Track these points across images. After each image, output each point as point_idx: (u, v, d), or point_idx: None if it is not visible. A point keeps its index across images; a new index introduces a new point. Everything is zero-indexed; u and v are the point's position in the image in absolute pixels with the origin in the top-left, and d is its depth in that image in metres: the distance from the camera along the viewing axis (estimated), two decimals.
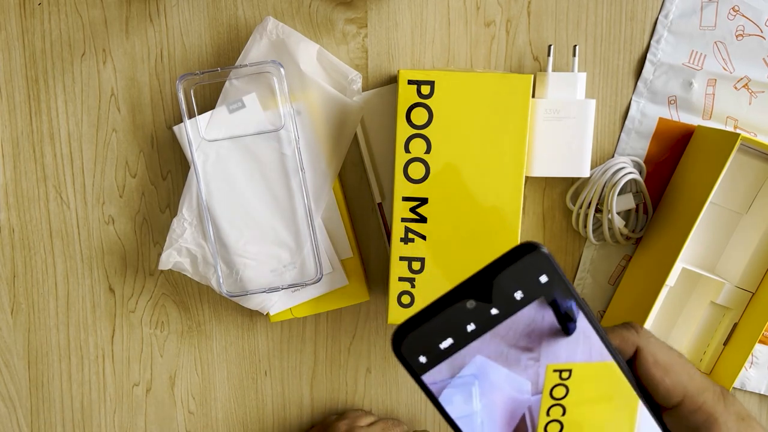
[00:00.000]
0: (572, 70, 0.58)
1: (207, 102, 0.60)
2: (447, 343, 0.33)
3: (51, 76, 0.60)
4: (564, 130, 0.57)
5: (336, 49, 0.60)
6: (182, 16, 0.59)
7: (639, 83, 0.61)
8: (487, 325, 0.33)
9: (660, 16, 0.59)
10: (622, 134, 0.61)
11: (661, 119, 0.61)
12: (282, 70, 0.56)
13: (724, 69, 0.60)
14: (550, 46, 0.58)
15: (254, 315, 0.65)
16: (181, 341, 0.65)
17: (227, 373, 0.66)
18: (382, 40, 0.60)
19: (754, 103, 0.60)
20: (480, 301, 0.32)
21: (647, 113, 0.61)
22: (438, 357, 0.33)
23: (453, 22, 0.60)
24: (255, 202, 0.58)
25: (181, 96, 0.57)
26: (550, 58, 0.58)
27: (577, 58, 0.58)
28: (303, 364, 0.66)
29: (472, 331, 0.33)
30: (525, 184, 0.57)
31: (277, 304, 0.61)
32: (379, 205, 0.62)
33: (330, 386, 0.67)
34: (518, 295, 0.32)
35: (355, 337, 0.65)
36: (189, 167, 0.59)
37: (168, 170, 0.62)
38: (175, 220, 0.59)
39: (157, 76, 0.60)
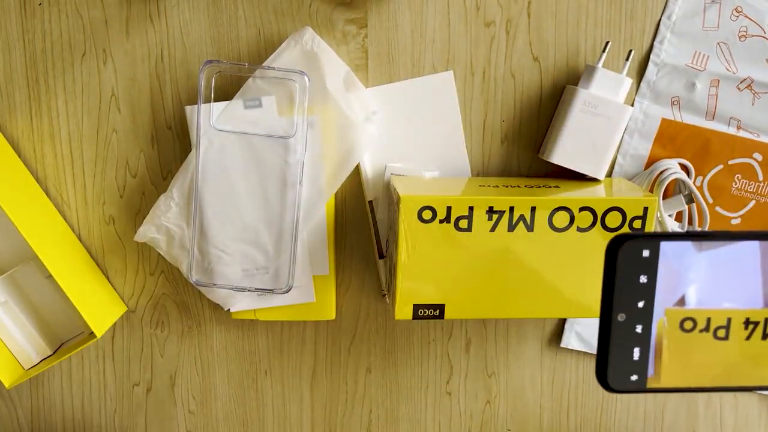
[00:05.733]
0: (621, 73, 0.58)
1: (222, 94, 0.60)
2: None
3: (51, 77, 0.60)
4: (595, 127, 0.57)
5: (336, 49, 0.60)
6: (182, 17, 0.59)
7: (642, 84, 0.60)
8: None
9: (663, 17, 0.59)
10: (625, 135, 0.61)
11: (664, 120, 0.61)
12: (308, 82, 0.56)
13: (727, 70, 0.59)
14: (607, 42, 0.58)
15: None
16: (181, 341, 0.65)
17: (227, 373, 0.66)
18: (382, 41, 0.60)
19: (757, 104, 0.60)
20: None
21: (650, 114, 0.61)
22: None
23: (453, 22, 0.59)
24: (245, 200, 0.58)
25: (202, 79, 0.57)
26: (604, 54, 0.58)
27: (629, 62, 0.58)
28: (303, 364, 0.66)
29: None
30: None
31: (240, 303, 0.61)
32: (370, 203, 0.62)
33: (330, 386, 0.67)
34: None
35: (355, 337, 0.65)
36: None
37: (168, 170, 0.62)
38: (162, 197, 0.59)
39: (157, 77, 0.60)
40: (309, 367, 0.66)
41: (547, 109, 0.61)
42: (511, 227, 0.54)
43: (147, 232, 0.60)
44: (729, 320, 0.37)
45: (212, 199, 0.58)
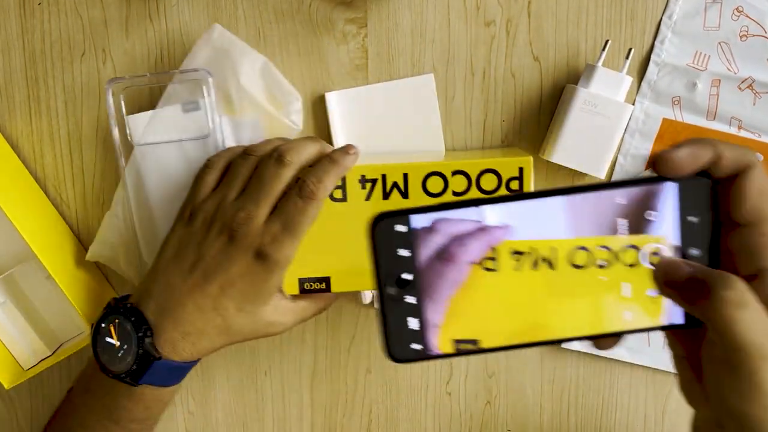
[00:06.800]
0: (621, 71, 0.57)
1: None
2: None
3: (51, 76, 0.60)
4: (595, 126, 0.57)
5: (336, 49, 0.60)
6: (182, 17, 0.59)
7: (643, 84, 0.60)
8: None
9: (664, 17, 0.59)
10: (626, 135, 0.61)
11: (665, 120, 0.60)
12: (210, 79, 0.56)
13: (728, 69, 0.59)
14: (607, 41, 0.58)
15: None
16: None
17: (227, 373, 0.66)
18: (382, 40, 0.60)
19: (758, 103, 0.59)
20: None
21: (651, 114, 0.60)
22: None
23: (453, 22, 0.59)
24: None
25: (110, 98, 0.56)
26: (604, 53, 0.57)
27: (629, 61, 0.58)
28: (303, 364, 0.66)
29: None
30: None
31: None
32: None
33: (330, 386, 0.67)
34: None
35: (355, 338, 0.65)
36: None
37: None
38: (107, 215, 0.59)
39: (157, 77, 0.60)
40: (309, 367, 0.66)
41: (547, 108, 0.61)
42: (386, 195, 0.54)
43: (98, 251, 0.60)
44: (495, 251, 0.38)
45: (159, 208, 0.58)
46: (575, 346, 0.65)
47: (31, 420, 0.66)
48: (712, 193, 0.37)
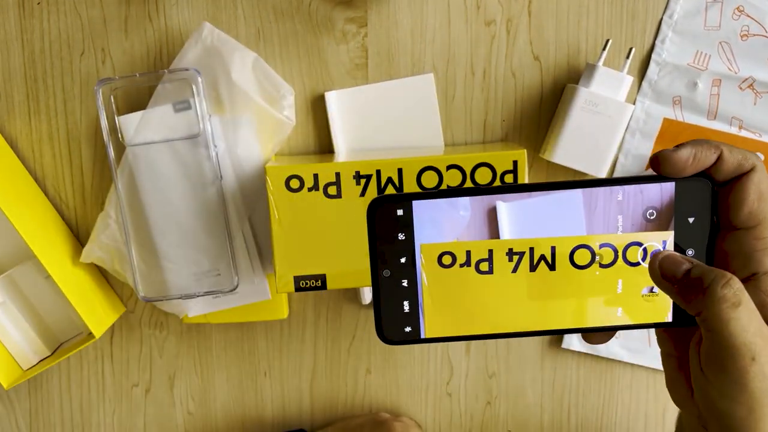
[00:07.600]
0: (622, 71, 0.57)
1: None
2: None
3: (50, 76, 0.60)
4: (596, 126, 0.57)
5: (336, 49, 0.59)
6: (181, 16, 0.59)
7: (644, 83, 0.60)
8: None
9: (664, 17, 0.59)
10: (627, 134, 0.61)
11: (665, 119, 0.60)
12: (200, 78, 0.56)
13: (729, 69, 0.59)
14: (607, 40, 0.57)
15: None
16: (180, 342, 0.65)
17: (226, 374, 0.66)
18: (382, 40, 0.60)
19: (759, 103, 0.59)
20: None
21: (652, 113, 0.60)
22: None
23: (453, 21, 0.59)
24: (180, 206, 0.58)
25: (100, 100, 0.56)
26: (604, 52, 0.57)
27: (629, 60, 0.57)
28: (303, 365, 0.66)
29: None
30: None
31: (196, 308, 0.61)
32: None
33: (330, 386, 0.66)
34: None
35: (355, 338, 0.65)
36: None
37: None
38: (100, 216, 0.59)
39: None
40: (309, 367, 0.66)
41: (547, 108, 0.61)
42: (381, 191, 0.54)
43: (92, 252, 0.60)
44: (491, 252, 0.38)
45: (151, 209, 0.58)
46: (576, 346, 0.64)
47: (30, 421, 0.66)
48: (712, 195, 0.37)
